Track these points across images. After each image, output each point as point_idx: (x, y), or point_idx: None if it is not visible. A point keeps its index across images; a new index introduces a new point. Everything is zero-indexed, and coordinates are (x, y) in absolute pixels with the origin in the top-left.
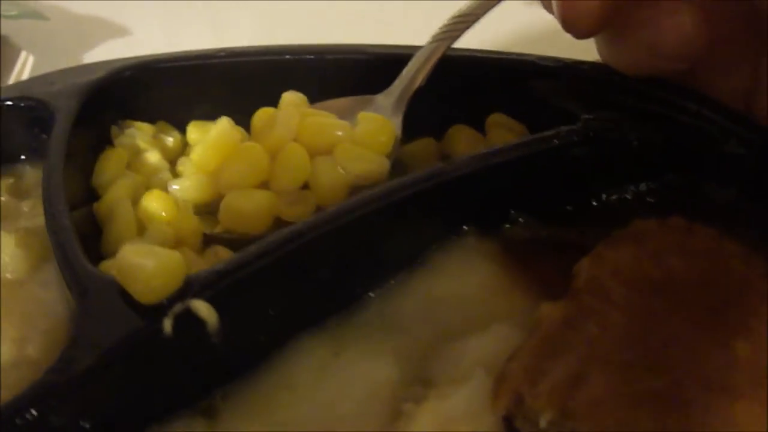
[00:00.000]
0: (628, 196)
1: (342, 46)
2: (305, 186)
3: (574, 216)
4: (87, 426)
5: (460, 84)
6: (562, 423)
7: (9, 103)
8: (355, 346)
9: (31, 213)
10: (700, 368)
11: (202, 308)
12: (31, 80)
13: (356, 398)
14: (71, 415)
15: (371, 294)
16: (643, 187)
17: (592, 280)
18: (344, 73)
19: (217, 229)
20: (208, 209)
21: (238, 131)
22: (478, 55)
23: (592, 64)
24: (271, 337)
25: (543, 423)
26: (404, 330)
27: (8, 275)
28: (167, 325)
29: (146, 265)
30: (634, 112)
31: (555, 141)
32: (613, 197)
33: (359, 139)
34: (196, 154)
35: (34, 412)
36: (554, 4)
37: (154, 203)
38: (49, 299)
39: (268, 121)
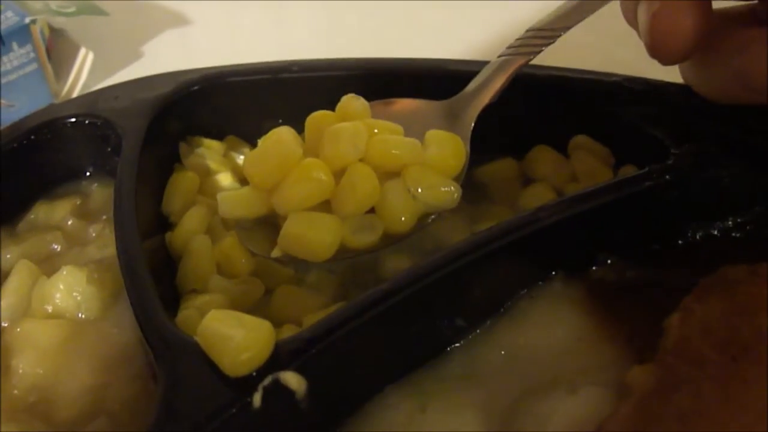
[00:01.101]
0: (716, 233)
1: (420, 60)
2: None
3: (661, 256)
4: None
5: (540, 102)
6: None
7: (73, 120)
8: (441, 400)
9: (100, 240)
10: None
11: (292, 380)
12: (96, 94)
13: None
14: None
15: (457, 344)
16: (730, 222)
17: (683, 342)
18: (420, 88)
19: (275, 253)
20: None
21: (299, 143)
22: (559, 73)
23: (680, 87)
24: (355, 395)
25: None
26: (489, 383)
27: (81, 315)
28: (257, 399)
29: (235, 337)
30: (722, 141)
31: (647, 183)
32: (700, 234)
33: (430, 161)
34: (249, 164)
35: None
36: (642, 19)
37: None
38: (126, 343)
39: (332, 135)
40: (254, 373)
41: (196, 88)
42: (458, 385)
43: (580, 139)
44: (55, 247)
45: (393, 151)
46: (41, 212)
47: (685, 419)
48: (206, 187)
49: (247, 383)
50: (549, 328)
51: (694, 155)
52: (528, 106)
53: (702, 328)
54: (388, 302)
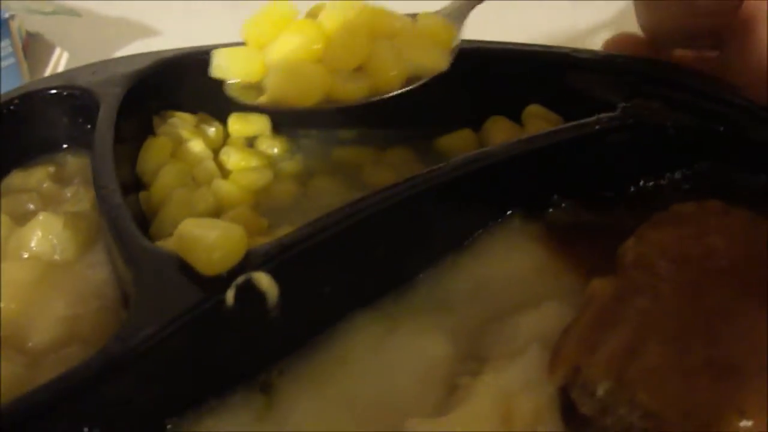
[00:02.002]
0: (664, 183)
1: None
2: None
3: (614, 202)
4: (147, 397)
5: (496, 76)
6: (620, 392)
7: (53, 91)
8: (408, 325)
9: (75, 199)
10: (750, 338)
11: (264, 280)
12: (75, 70)
13: (411, 373)
14: (133, 385)
15: (421, 275)
16: (678, 174)
17: (640, 257)
18: None
19: (262, 99)
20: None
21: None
22: (514, 47)
23: (626, 57)
24: (326, 313)
25: (600, 392)
26: (455, 309)
27: (57, 257)
28: (230, 296)
29: (208, 237)
30: (667, 101)
31: (596, 127)
32: (650, 184)
33: (420, 32)
34: (247, 26)
35: (98, 379)
36: None
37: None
38: (99, 280)
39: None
40: (226, 273)
41: (171, 64)
42: (425, 312)
43: (533, 109)
44: (30, 206)
45: (384, 16)
46: (17, 178)
47: (644, 317)
48: (178, 153)
49: (220, 282)
50: (510, 260)
51: (639, 107)
52: (484, 79)
53: (657, 248)
54: (356, 217)
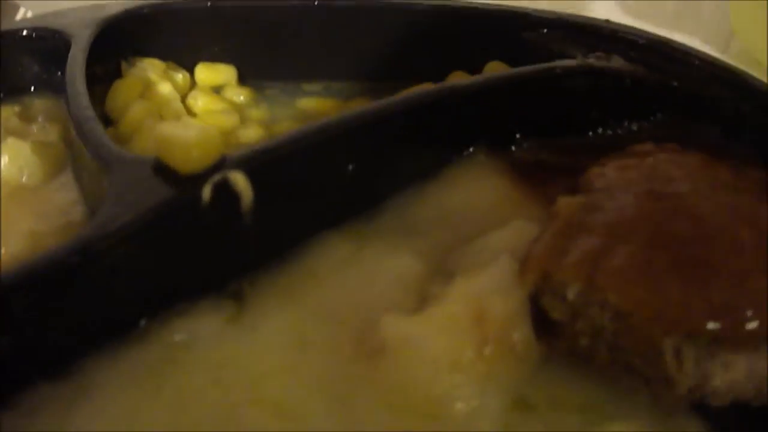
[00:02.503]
0: (623, 132)
1: None
2: None
3: (575, 145)
4: (122, 292)
5: (459, 33)
6: (590, 294)
7: (24, 33)
8: (377, 244)
9: (42, 132)
10: (714, 249)
11: (240, 180)
12: (45, 15)
13: (381, 285)
14: (108, 276)
15: (389, 201)
16: (636, 125)
17: (602, 178)
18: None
19: None
20: None
21: None
22: (476, 5)
23: (587, 18)
24: (297, 229)
25: (571, 295)
26: (423, 234)
27: (24, 180)
28: (206, 192)
29: (187, 135)
30: (626, 56)
31: (557, 70)
32: (609, 132)
33: None
34: None
35: (72, 266)
36: None
37: None
38: (66, 202)
39: None
40: (203, 172)
41: (142, 12)
42: (394, 234)
43: (494, 65)
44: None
45: None
46: None
47: (611, 226)
48: (147, 94)
49: (197, 180)
50: (476, 191)
51: (599, 58)
52: (447, 36)
53: (620, 173)
54: (328, 132)
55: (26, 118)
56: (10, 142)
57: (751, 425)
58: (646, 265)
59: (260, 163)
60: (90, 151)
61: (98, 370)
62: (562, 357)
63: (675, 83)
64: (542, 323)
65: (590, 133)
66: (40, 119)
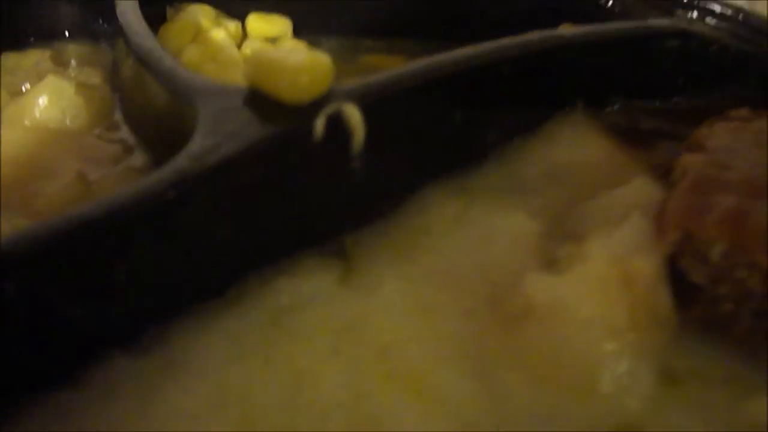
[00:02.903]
0: (709, 101)
1: None
2: None
3: (666, 112)
4: (217, 239)
5: None
6: (736, 255)
7: None
8: (486, 202)
9: (82, 76)
10: None
11: (355, 114)
12: None
13: (501, 245)
14: (203, 217)
15: (491, 156)
16: (718, 95)
17: (713, 139)
18: None
19: None
20: None
21: None
22: None
23: None
24: (402, 181)
25: (715, 256)
26: (533, 191)
27: (68, 123)
28: (319, 125)
29: (295, 59)
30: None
31: (648, 29)
32: (695, 100)
33: None
34: None
35: (171, 195)
36: None
37: None
38: (118, 148)
39: None
40: (310, 105)
41: None
42: (503, 192)
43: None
44: (27, 85)
45: None
46: (9, 60)
47: (747, 182)
48: (200, 39)
49: (303, 111)
50: (580, 149)
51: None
52: None
53: (728, 131)
54: (443, 71)
55: (59, 63)
56: (51, 80)
57: None
58: None
59: (373, 98)
60: (168, 83)
61: (188, 339)
62: (698, 326)
63: (758, 52)
64: (678, 289)
65: (675, 99)
66: (74, 64)
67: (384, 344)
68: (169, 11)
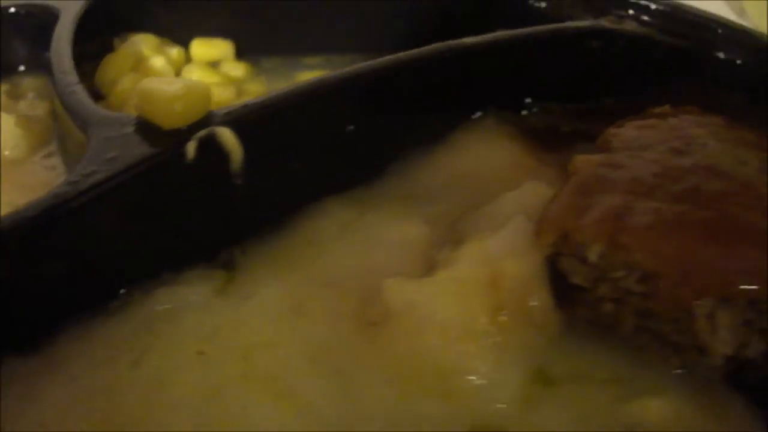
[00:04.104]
0: (640, 99)
1: None
2: None
3: (588, 111)
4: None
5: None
6: (614, 254)
7: (11, 11)
8: (380, 211)
9: (30, 107)
10: (744, 205)
11: (227, 136)
12: None
13: (386, 251)
14: (83, 236)
15: (393, 166)
16: (653, 92)
17: (620, 137)
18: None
19: None
20: None
21: None
22: None
23: None
24: (292, 194)
25: (593, 256)
26: (430, 200)
27: (7, 153)
28: (190, 148)
29: (170, 89)
30: (639, 20)
31: (569, 30)
32: (625, 98)
33: None
34: None
35: (44, 222)
36: None
37: None
38: (50, 175)
39: None
40: (188, 128)
41: None
42: (398, 200)
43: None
44: None
45: None
46: None
47: (632, 183)
48: (140, 68)
49: (180, 135)
50: (485, 156)
51: (611, 21)
52: (453, 6)
53: (640, 132)
54: (323, 90)
55: (15, 95)
56: None
57: None
58: (674, 222)
59: (250, 119)
60: (70, 113)
61: (71, 343)
62: (583, 326)
63: (690, 48)
64: (561, 290)
65: (605, 100)
66: (30, 96)
67: (247, 347)
68: (116, 42)
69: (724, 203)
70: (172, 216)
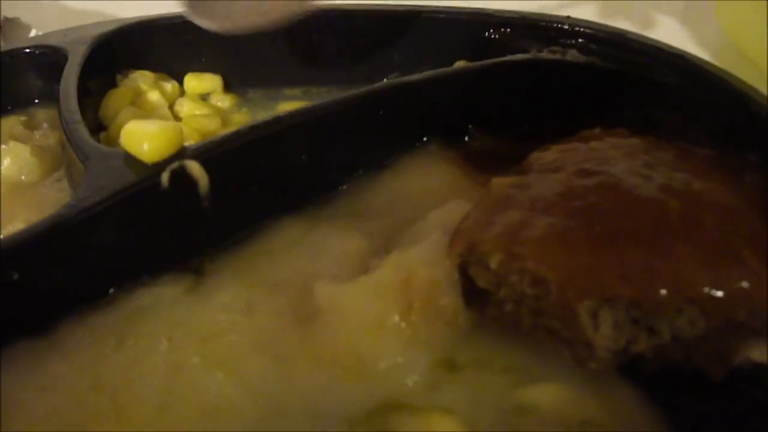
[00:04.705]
0: (581, 123)
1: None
2: None
3: (529, 136)
4: (93, 263)
5: (429, 36)
6: (511, 263)
7: (27, 50)
8: (328, 227)
9: (42, 138)
10: (635, 219)
11: (195, 168)
12: (48, 34)
13: (326, 259)
14: (80, 248)
15: (343, 188)
16: (597, 117)
17: (541, 160)
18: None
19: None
20: None
21: None
22: (446, 8)
23: (547, 16)
24: (253, 212)
25: (493, 264)
26: (372, 217)
27: (23, 177)
28: (164, 178)
29: (149, 129)
30: (582, 49)
31: (505, 64)
32: (565, 123)
33: None
34: None
35: (49, 237)
36: None
37: None
38: (59, 196)
39: None
40: (164, 162)
41: (134, 29)
42: (345, 218)
43: (460, 64)
44: (3, 146)
45: None
46: None
47: (537, 199)
48: (138, 102)
49: (157, 167)
50: (425, 178)
51: (553, 52)
52: (420, 40)
53: (560, 152)
54: (280, 125)
55: (30, 126)
56: (12, 145)
57: (684, 390)
58: (562, 235)
59: (215, 153)
60: (73, 148)
61: (70, 330)
62: (492, 324)
63: (631, 73)
64: (472, 292)
65: (545, 125)
66: (45, 126)
67: (206, 334)
68: (118, 78)
69: (615, 217)
70: (151, 231)
